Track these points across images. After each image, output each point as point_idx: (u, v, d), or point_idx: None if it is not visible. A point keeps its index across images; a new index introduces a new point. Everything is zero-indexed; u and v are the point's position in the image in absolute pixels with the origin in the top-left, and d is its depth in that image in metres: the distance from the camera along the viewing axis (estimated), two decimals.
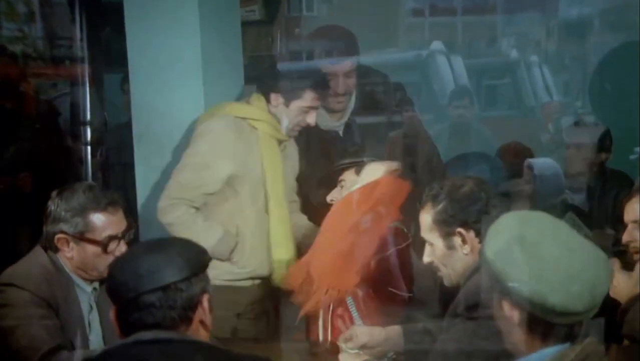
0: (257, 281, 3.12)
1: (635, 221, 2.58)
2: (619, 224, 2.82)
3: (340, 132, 3.44)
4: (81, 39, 4.23)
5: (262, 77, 3.20)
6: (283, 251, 3.08)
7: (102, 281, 2.43)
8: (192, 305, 1.82)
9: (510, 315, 1.84)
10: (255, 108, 3.09)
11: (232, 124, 3.03)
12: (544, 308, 1.77)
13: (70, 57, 4.58)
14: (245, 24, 3.66)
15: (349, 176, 2.94)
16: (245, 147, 3.03)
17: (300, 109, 3.05)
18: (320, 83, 3.12)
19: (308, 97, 3.05)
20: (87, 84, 4.28)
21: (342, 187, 2.95)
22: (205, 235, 2.94)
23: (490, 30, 5.12)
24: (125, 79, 4.05)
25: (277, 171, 3.10)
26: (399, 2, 5.00)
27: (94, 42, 4.28)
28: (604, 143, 3.88)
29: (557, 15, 4.85)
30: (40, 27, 5.21)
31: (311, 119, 3.08)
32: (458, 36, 5.37)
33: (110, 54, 4.27)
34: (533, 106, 5.61)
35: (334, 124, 3.41)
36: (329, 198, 2.97)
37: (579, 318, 1.81)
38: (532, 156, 3.91)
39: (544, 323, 1.81)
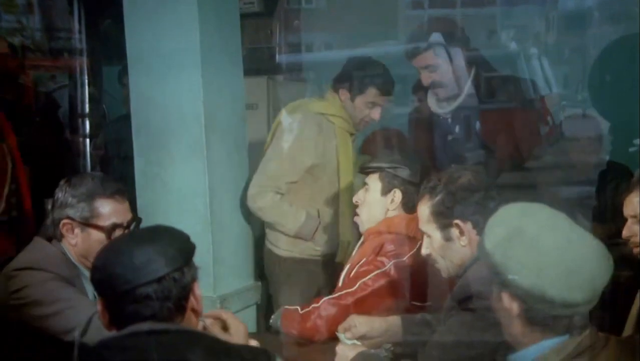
0: (327, 258, 3.45)
1: (634, 216, 2.57)
2: (619, 217, 2.82)
3: (449, 119, 3.53)
4: (80, 31, 4.22)
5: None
6: (348, 233, 3.37)
7: None
8: (186, 294, 1.83)
9: (510, 306, 1.84)
10: (331, 105, 3.43)
11: (313, 120, 3.38)
12: (543, 300, 1.77)
13: (68, 49, 4.56)
14: (244, 16, 3.65)
15: (372, 181, 2.99)
16: (325, 140, 3.37)
17: (366, 105, 3.38)
18: (383, 80, 3.37)
19: (370, 94, 3.36)
20: (86, 77, 4.27)
21: (366, 190, 3.02)
22: (292, 218, 3.39)
23: (490, 23, 5.10)
24: (123, 72, 4.04)
25: (349, 161, 3.42)
26: None
27: (93, 34, 4.26)
28: (604, 135, 3.88)
29: (556, 7, 4.84)
30: (39, 19, 5.19)
31: (375, 114, 3.40)
32: (457, 28, 5.34)
33: (109, 46, 4.26)
34: (533, 98, 5.60)
35: (442, 110, 3.53)
36: (354, 199, 3.05)
37: (579, 309, 1.81)
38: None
39: (543, 315, 1.81)
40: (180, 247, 1.85)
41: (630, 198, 2.59)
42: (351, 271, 2.88)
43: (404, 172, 2.91)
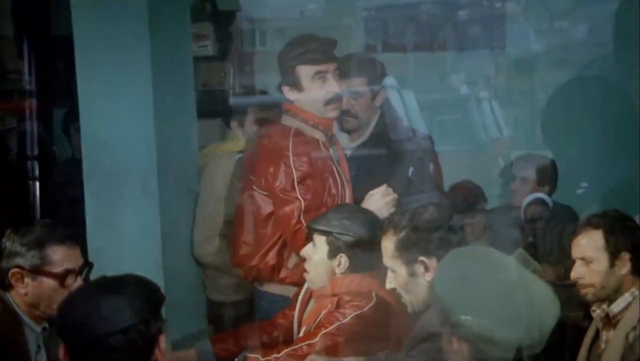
0: None
1: (582, 258, 2.62)
2: (566, 259, 2.87)
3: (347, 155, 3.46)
4: (29, 73, 4.18)
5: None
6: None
7: (50, 321, 2.38)
8: (151, 347, 1.79)
9: (460, 349, 1.86)
10: (236, 141, 3.49)
11: (230, 159, 3.41)
12: (492, 342, 1.79)
13: (18, 90, 4.51)
14: (197, 59, 3.67)
15: (319, 242, 2.83)
16: None
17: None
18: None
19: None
20: (35, 119, 4.23)
21: (314, 247, 2.86)
22: None
23: (441, 66, 5.20)
24: (68, 114, 4.02)
25: None
26: (351, 37, 5.06)
27: (43, 76, 4.23)
28: (548, 176, 3.95)
29: (504, 52, 4.96)
30: None
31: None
32: (410, 72, 5.43)
33: (59, 88, 4.23)
34: (484, 141, 5.70)
35: (347, 145, 3.47)
36: (302, 253, 2.90)
37: (528, 352, 1.83)
38: (483, 195, 3.96)
39: (492, 358, 1.82)
40: (148, 298, 1.82)
41: (577, 240, 2.64)
42: (309, 329, 2.82)
43: (350, 239, 2.77)
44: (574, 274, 2.64)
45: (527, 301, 1.83)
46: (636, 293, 2.58)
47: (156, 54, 3.18)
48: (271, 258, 3.13)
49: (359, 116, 3.48)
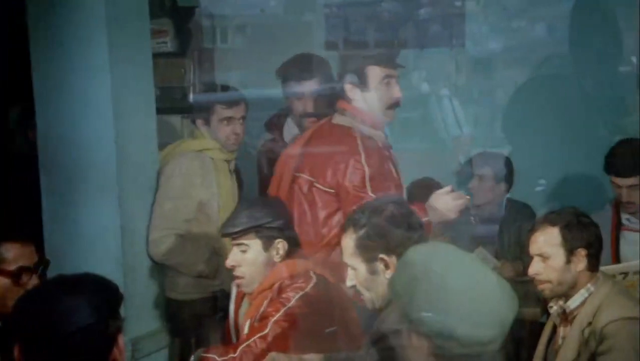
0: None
1: (539, 255, 2.65)
2: (525, 256, 2.90)
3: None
4: None
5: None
6: None
7: (5, 320, 2.34)
8: (109, 346, 1.77)
9: (419, 345, 1.86)
10: (201, 140, 3.45)
11: (195, 157, 3.41)
12: (451, 338, 1.80)
13: None
14: (156, 55, 3.63)
15: (248, 241, 2.84)
16: (208, 176, 3.39)
17: (220, 123, 3.42)
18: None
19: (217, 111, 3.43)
20: None
21: (243, 251, 2.85)
22: (195, 258, 3.35)
23: (402, 64, 5.21)
24: (24, 110, 3.95)
25: (228, 195, 3.45)
26: (312, 34, 5.04)
27: None
28: (505, 174, 4.00)
29: (464, 50, 4.99)
30: None
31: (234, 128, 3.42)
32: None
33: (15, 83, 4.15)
34: (445, 139, 5.73)
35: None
36: (228, 263, 2.87)
37: (487, 348, 1.84)
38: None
39: (452, 354, 1.83)
40: (107, 297, 1.80)
41: (534, 237, 2.67)
42: (254, 322, 2.82)
43: (281, 223, 2.82)
44: (531, 270, 2.67)
45: (484, 297, 1.85)
46: (592, 289, 2.62)
47: (114, 49, 3.15)
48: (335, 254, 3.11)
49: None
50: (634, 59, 4.60)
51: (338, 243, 2.69)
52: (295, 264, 2.84)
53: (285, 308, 2.72)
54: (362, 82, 3.16)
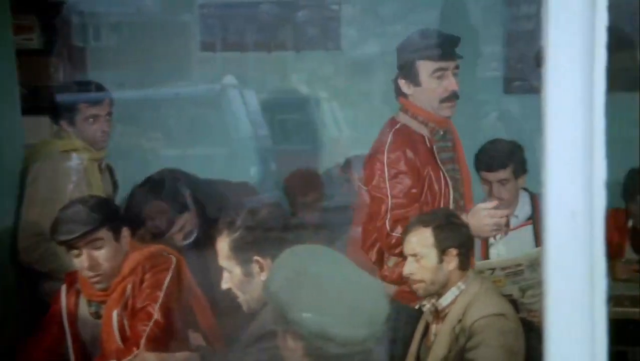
0: None
1: (413, 255, 2.71)
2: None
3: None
4: None
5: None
6: None
7: None
8: None
9: (295, 346, 1.86)
10: (67, 140, 3.37)
11: (61, 159, 3.33)
12: (325, 338, 1.81)
13: None
14: (21, 52, 3.47)
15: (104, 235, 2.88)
16: (76, 177, 3.31)
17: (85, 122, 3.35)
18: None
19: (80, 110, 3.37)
20: None
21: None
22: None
23: (281, 67, 5.22)
24: None
25: (100, 194, 3.35)
26: (190, 35, 4.97)
27: None
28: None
29: (342, 53, 5.05)
30: None
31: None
32: (250, 71, 5.42)
33: None
34: (323, 141, 5.78)
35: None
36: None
37: (360, 347, 1.86)
38: (321, 183, 4.03)
39: (326, 354, 1.84)
40: None
41: (408, 238, 2.73)
42: (124, 311, 2.78)
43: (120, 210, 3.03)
44: (406, 270, 2.73)
45: (358, 297, 1.87)
46: (462, 287, 2.70)
47: None
48: (372, 254, 3.10)
49: None
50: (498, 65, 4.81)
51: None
52: (147, 248, 2.88)
53: (161, 293, 2.74)
54: (412, 77, 3.06)
